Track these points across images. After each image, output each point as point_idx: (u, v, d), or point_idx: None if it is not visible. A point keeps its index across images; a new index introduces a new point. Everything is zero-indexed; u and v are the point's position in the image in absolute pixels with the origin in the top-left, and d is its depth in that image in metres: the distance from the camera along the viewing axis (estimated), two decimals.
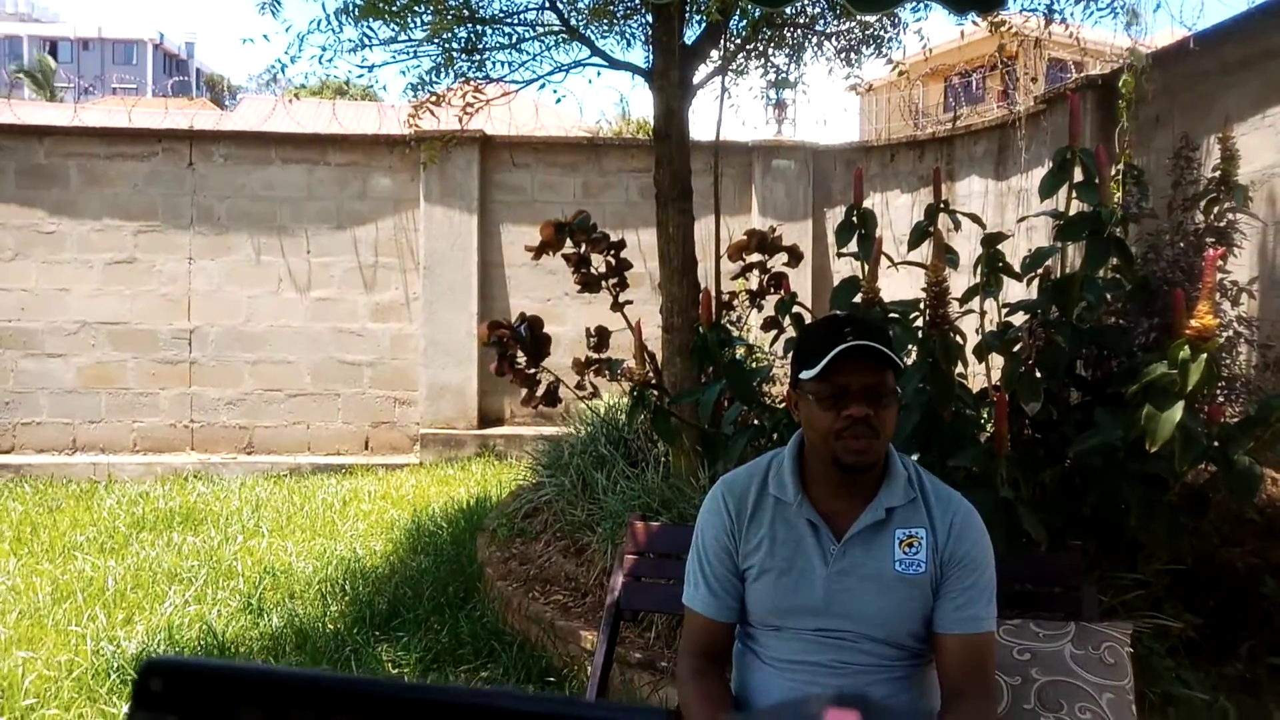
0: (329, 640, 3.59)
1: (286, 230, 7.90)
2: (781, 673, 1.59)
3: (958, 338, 2.62)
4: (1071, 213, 2.82)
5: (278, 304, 7.92)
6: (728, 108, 7.04)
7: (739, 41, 4.89)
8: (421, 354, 7.94)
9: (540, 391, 4.14)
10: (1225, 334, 3.07)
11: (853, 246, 3.07)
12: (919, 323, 2.78)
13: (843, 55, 5.01)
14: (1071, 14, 4.41)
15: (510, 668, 3.33)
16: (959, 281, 3.46)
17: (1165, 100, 4.91)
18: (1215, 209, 3.13)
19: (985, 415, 2.86)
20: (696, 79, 4.41)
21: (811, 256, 7.58)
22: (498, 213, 8.08)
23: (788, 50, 5.08)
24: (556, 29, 4.67)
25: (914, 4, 4.30)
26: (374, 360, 8.01)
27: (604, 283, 4.49)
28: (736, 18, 4.46)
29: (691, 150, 4.35)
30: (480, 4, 4.52)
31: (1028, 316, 3.03)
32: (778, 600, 1.58)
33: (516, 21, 4.74)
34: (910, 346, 2.71)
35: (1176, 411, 2.23)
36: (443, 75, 4.71)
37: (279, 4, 4.22)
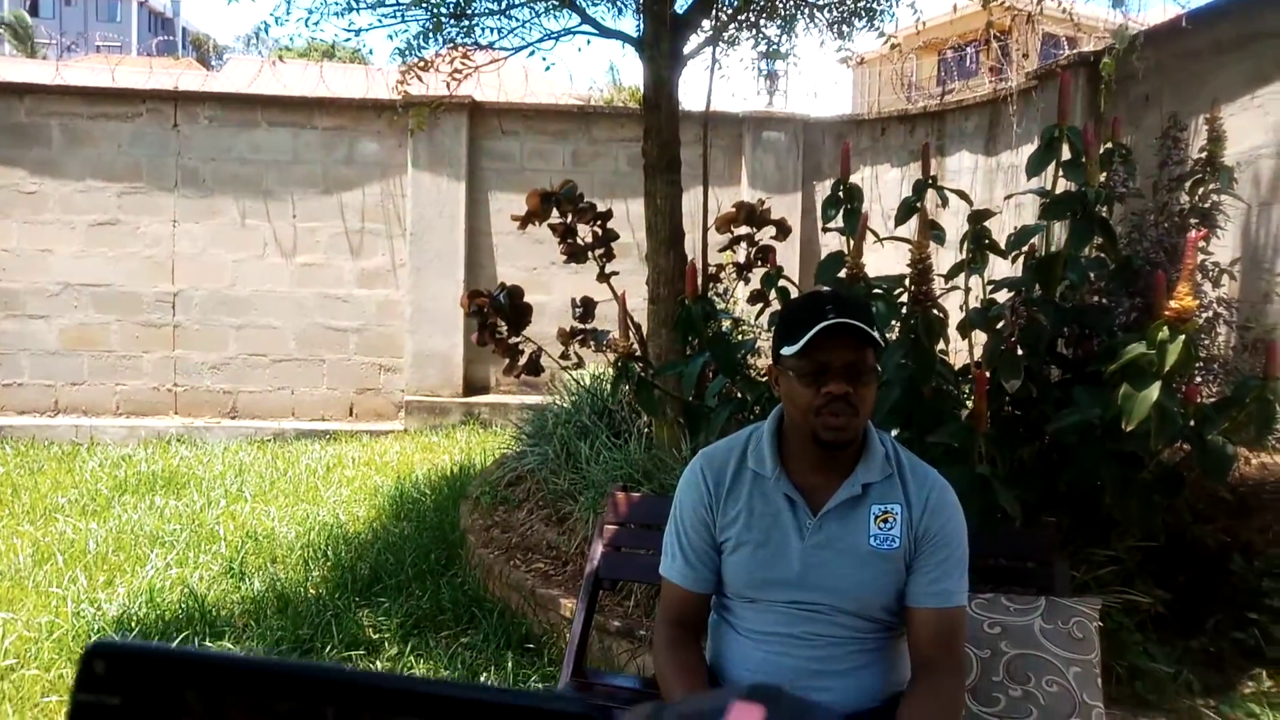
0: (310, 605, 3.61)
1: (272, 194, 7.83)
2: (755, 644, 1.61)
3: (941, 314, 2.63)
4: (1058, 191, 2.83)
5: (263, 268, 7.87)
6: (718, 78, 6.98)
7: (730, 12, 4.85)
8: (407, 321, 7.92)
9: (522, 361, 4.14)
10: (1205, 315, 3.09)
11: (839, 221, 3.06)
12: (903, 299, 2.79)
13: (834, 27, 4.97)
14: None
15: (490, 634, 3.36)
16: (947, 257, 3.47)
17: (1156, 79, 4.91)
18: (1200, 190, 3.14)
19: (966, 392, 2.87)
20: (687, 49, 4.38)
21: (800, 230, 7.57)
22: (486, 180, 8.02)
23: (779, 21, 5.04)
24: None
25: None
26: (360, 326, 7.98)
27: (590, 253, 4.47)
28: None
29: (681, 121, 4.33)
30: None
31: (1011, 294, 3.05)
32: (753, 572, 1.60)
33: None
34: (893, 322, 2.72)
35: (1153, 391, 2.25)
36: (430, 40, 4.65)
37: None
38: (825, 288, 2.67)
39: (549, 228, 4.50)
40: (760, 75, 7.14)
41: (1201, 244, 3.02)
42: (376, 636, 3.39)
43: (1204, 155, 3.12)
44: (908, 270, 2.69)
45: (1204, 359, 3.08)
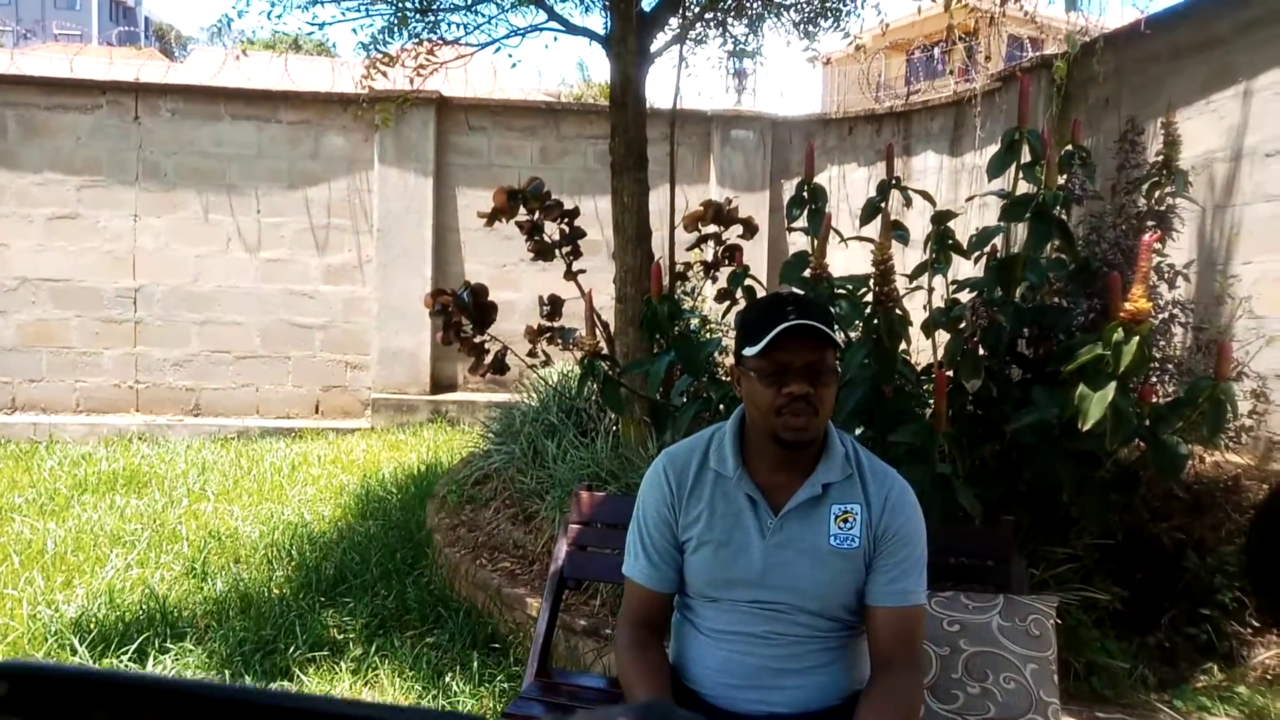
0: (274, 605, 3.57)
1: (236, 189, 7.74)
2: (717, 643, 1.62)
3: (903, 315, 2.65)
4: (1019, 193, 2.87)
5: (227, 264, 7.77)
6: (685, 77, 7.01)
7: (697, 10, 4.86)
8: (374, 317, 7.86)
9: (488, 360, 4.13)
10: (1161, 316, 3.15)
11: (804, 221, 3.08)
12: (868, 298, 2.81)
13: (800, 27, 5.00)
14: None
15: (456, 634, 3.35)
16: (913, 256, 3.50)
17: (1116, 82, 4.98)
18: (1156, 193, 3.20)
19: (928, 392, 2.90)
20: (654, 47, 4.38)
21: (768, 228, 7.61)
22: (454, 176, 7.98)
23: (746, 20, 5.06)
24: None
25: None
26: (325, 323, 7.90)
27: (558, 250, 4.46)
28: None
29: (649, 119, 4.33)
30: None
31: (973, 294, 3.08)
32: (715, 572, 1.61)
33: None
34: (857, 322, 2.74)
35: (1109, 392, 2.29)
36: (396, 35, 4.62)
37: None
38: (788, 288, 2.68)
39: (516, 225, 4.49)
40: (729, 74, 7.15)
41: (1157, 246, 3.08)
42: (341, 637, 3.37)
43: (1160, 159, 3.18)
44: (872, 270, 2.72)
45: (1159, 360, 3.14)
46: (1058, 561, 2.76)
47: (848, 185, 7.98)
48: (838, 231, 3.03)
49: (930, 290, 3.13)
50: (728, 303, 3.64)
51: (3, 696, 0.34)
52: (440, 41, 4.77)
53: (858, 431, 2.65)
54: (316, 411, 7.94)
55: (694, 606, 1.67)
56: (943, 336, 3.08)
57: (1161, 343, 3.17)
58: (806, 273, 2.85)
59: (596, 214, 6.56)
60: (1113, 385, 2.29)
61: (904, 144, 7.65)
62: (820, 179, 7.38)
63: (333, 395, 7.96)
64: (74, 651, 3.15)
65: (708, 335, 4.87)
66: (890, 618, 1.56)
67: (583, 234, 4.51)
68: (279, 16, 4.28)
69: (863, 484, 1.61)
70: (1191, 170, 3.75)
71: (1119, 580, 2.89)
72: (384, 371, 7.85)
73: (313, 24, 4.46)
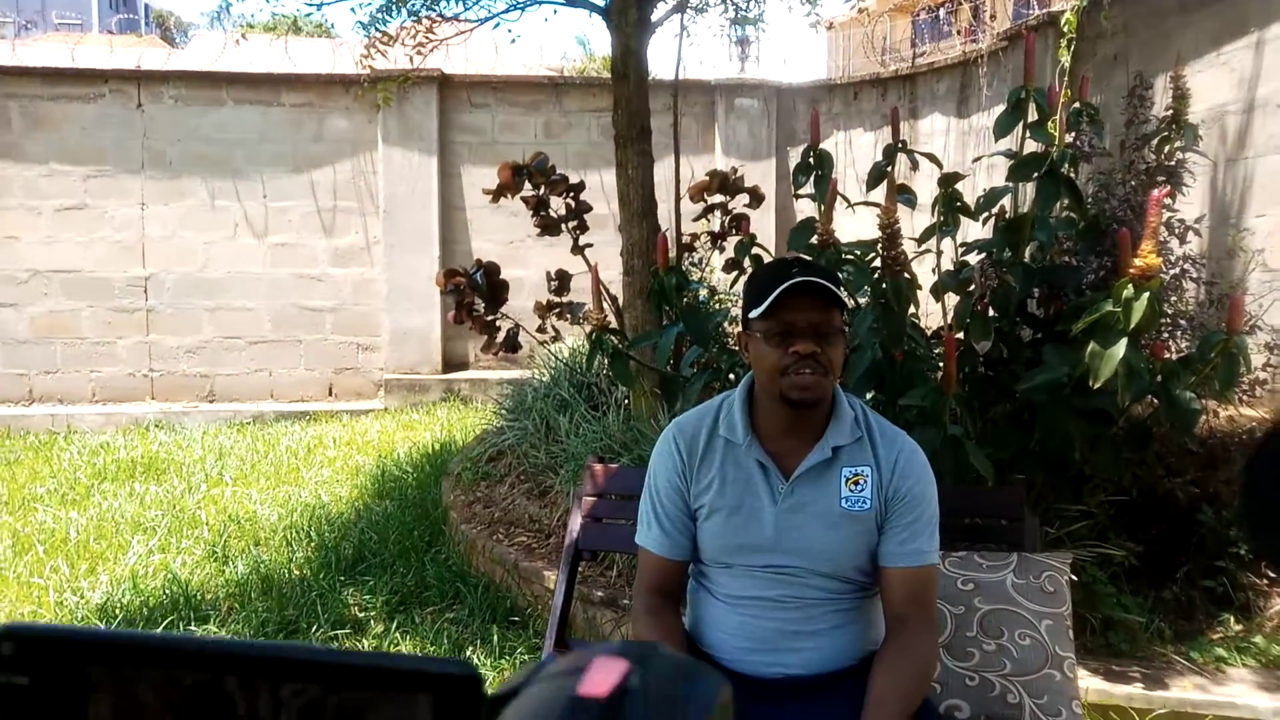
0: (295, 586, 3.62)
1: (241, 174, 7.74)
2: (733, 608, 1.64)
3: (911, 278, 2.64)
4: (1026, 152, 2.84)
5: (235, 250, 7.80)
6: (687, 46, 6.95)
7: None
8: (384, 299, 7.88)
9: (500, 338, 4.13)
10: (1172, 272, 3.13)
11: (810, 188, 3.07)
12: (876, 263, 2.80)
13: None
14: None
15: (475, 609, 3.39)
16: (921, 220, 3.48)
17: (1124, 38, 4.92)
18: (1166, 148, 3.16)
19: (938, 355, 2.90)
20: (655, 16, 4.34)
21: (775, 197, 7.57)
22: (458, 154, 7.96)
23: None
24: None
25: None
26: (335, 306, 7.93)
27: (564, 225, 4.46)
28: None
29: (652, 90, 4.30)
30: None
31: (981, 256, 3.06)
32: (728, 538, 1.62)
33: None
34: (866, 287, 2.73)
35: (1120, 348, 2.28)
36: (395, 13, 4.60)
37: None
38: (796, 253, 2.67)
39: (522, 201, 4.48)
40: (731, 42, 7.09)
41: (1168, 201, 3.05)
42: (362, 615, 3.41)
43: (1169, 113, 3.14)
44: (879, 235, 2.71)
45: (1171, 315, 3.12)
46: (1072, 519, 2.77)
47: (854, 151, 7.92)
48: (844, 197, 3.01)
49: (939, 253, 3.11)
50: (735, 272, 3.64)
51: (8, 657, 0.35)
52: (439, 18, 4.74)
53: (868, 396, 2.65)
54: (330, 394, 7.99)
55: (708, 573, 1.68)
56: (952, 299, 3.07)
57: (1173, 298, 3.15)
58: (814, 239, 2.84)
59: (602, 188, 6.53)
60: (1123, 342, 2.28)
61: (910, 107, 7.58)
62: (826, 145, 7.32)
63: (345, 377, 8.01)
64: None
65: (716, 306, 4.86)
66: (904, 578, 1.57)
67: (588, 208, 4.50)
68: None
69: (873, 446, 1.61)
70: (1202, 124, 3.70)
71: (1134, 536, 2.89)
72: (395, 352, 7.88)
73: (311, 3, 4.44)
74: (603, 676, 0.28)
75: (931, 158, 3.23)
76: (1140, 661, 2.60)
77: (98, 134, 7.58)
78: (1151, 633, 2.68)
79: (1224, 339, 2.38)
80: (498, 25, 4.81)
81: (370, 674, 0.35)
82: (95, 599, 3.51)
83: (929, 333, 3.02)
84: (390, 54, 5.02)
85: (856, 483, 1.59)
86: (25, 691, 0.36)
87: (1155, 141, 3.18)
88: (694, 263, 5.29)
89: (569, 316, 4.43)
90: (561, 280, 4.47)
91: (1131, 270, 2.25)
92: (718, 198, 4.82)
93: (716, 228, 4.90)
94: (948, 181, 3.00)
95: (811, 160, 3.06)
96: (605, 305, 3.14)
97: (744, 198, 4.86)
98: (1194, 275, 3.22)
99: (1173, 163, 3.15)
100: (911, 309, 2.69)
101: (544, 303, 4.52)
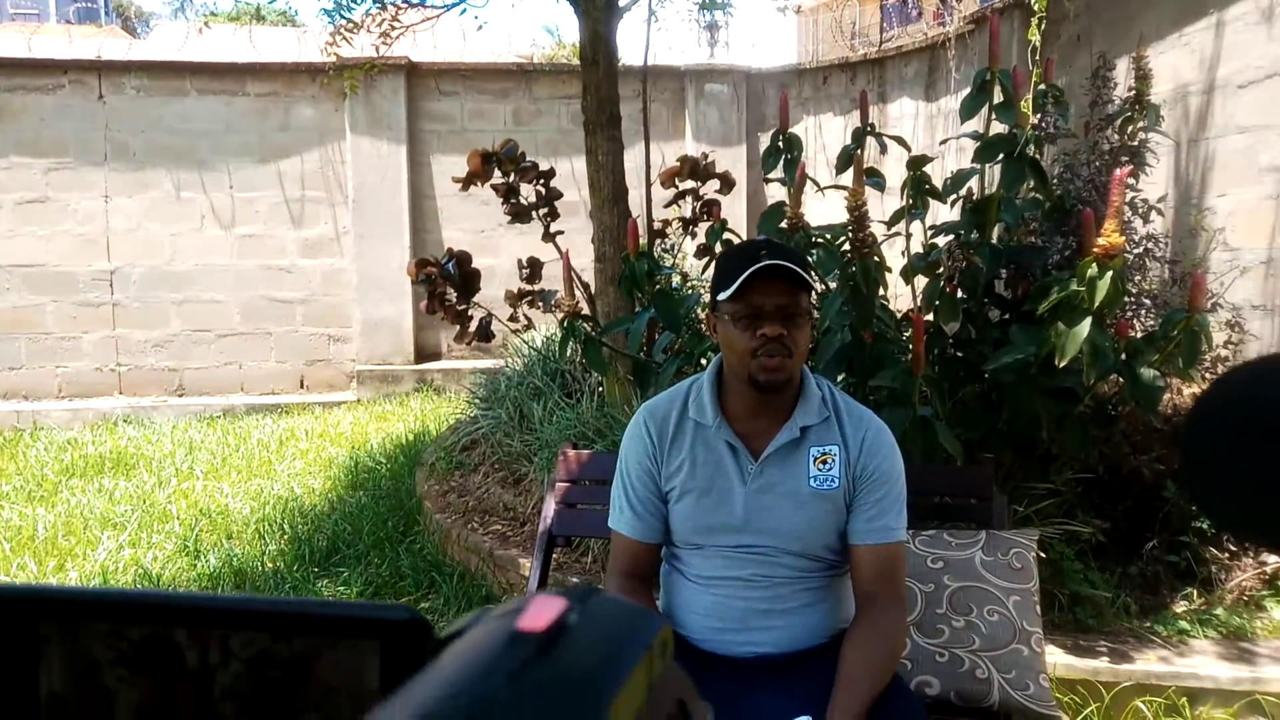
0: (268, 579, 3.60)
1: (207, 165, 7.64)
2: (705, 588, 1.65)
3: (879, 261, 2.66)
4: (992, 134, 2.86)
5: (202, 242, 7.70)
6: (656, 31, 6.93)
7: None
8: (354, 289, 7.82)
9: (473, 328, 4.12)
10: (1136, 251, 3.17)
11: (779, 172, 3.07)
12: (846, 247, 2.82)
13: None
14: None
15: (451, 597, 3.38)
16: (891, 203, 3.50)
17: (1088, 19, 4.96)
18: (1129, 128, 3.20)
19: (907, 336, 2.92)
20: (623, 1, 4.32)
21: (746, 182, 7.57)
22: (427, 142, 7.90)
23: None
24: None
25: None
26: (305, 297, 7.86)
27: (535, 213, 4.44)
28: None
29: (621, 76, 4.28)
30: None
31: (950, 238, 3.09)
32: (699, 519, 1.63)
33: None
34: (835, 270, 2.75)
35: (1084, 327, 2.31)
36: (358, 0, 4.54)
37: None
38: (761, 236, 2.68)
39: (492, 189, 4.46)
40: (700, 27, 7.07)
41: (1131, 181, 3.08)
42: None
43: (1132, 94, 3.17)
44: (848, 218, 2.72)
45: (1135, 294, 3.16)
46: (1040, 497, 2.80)
47: (824, 135, 7.94)
48: (814, 181, 3.02)
49: (909, 236, 3.13)
50: (707, 258, 3.64)
51: None
52: (405, 4, 4.69)
53: (839, 378, 2.66)
54: (301, 386, 7.92)
55: (680, 555, 1.69)
56: (923, 281, 3.09)
57: (1137, 277, 3.19)
58: (784, 223, 2.85)
59: (573, 174, 6.50)
60: (1088, 321, 2.32)
61: (879, 91, 7.62)
62: (796, 130, 7.33)
63: (317, 369, 7.94)
64: None
65: (688, 291, 4.87)
66: (872, 555, 1.59)
67: (559, 195, 4.49)
68: None
69: (840, 425, 1.63)
70: (1164, 104, 3.75)
71: (1100, 513, 2.94)
72: (367, 343, 7.82)
73: None
74: (541, 613, 0.29)
75: (900, 141, 3.25)
76: (1107, 635, 2.64)
77: (58, 126, 7.44)
78: (1118, 607, 2.73)
79: (1186, 317, 2.41)
80: (464, 11, 4.78)
81: (318, 622, 0.36)
82: None
83: (899, 315, 3.04)
84: (356, 42, 4.97)
85: (825, 462, 1.60)
86: None
87: (1119, 122, 3.21)
88: (666, 249, 5.29)
89: (541, 304, 4.42)
90: (533, 268, 4.47)
91: (1095, 250, 2.28)
92: (689, 183, 4.83)
93: (688, 213, 4.91)
94: (916, 164, 3.02)
95: (780, 144, 3.06)
96: (577, 292, 3.13)
97: (715, 183, 4.87)
98: (1157, 254, 3.27)
99: (1136, 143, 3.18)
100: (881, 292, 2.70)
101: (516, 291, 4.51)
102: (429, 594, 3.48)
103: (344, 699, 0.33)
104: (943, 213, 3.18)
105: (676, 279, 5.32)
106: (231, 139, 7.66)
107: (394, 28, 4.77)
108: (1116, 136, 3.23)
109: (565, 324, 2.84)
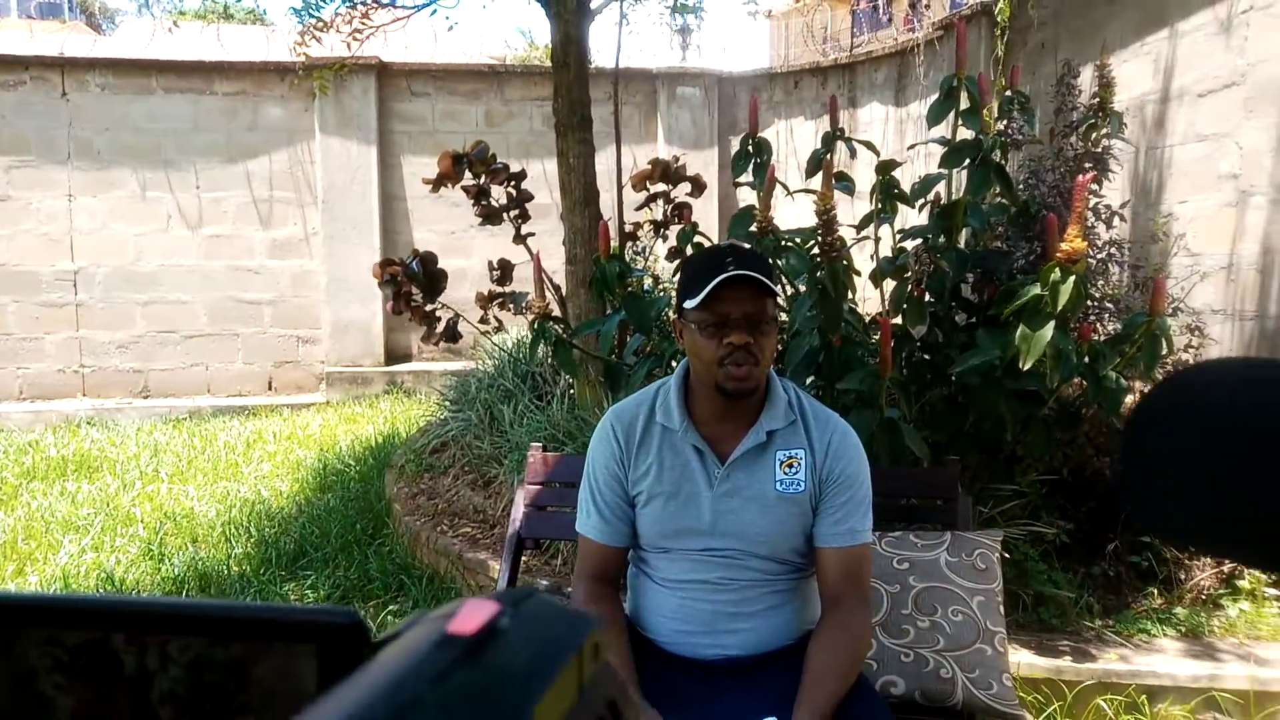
0: (234, 582, 3.55)
1: (173, 164, 7.54)
2: (672, 592, 1.65)
3: (848, 265, 2.68)
4: (959, 140, 2.90)
5: (168, 242, 7.60)
6: (628, 34, 6.94)
7: None
8: (323, 291, 7.75)
9: (440, 328, 4.10)
10: (1099, 256, 3.22)
11: (749, 176, 3.09)
12: (815, 251, 2.83)
13: None
14: None
15: (420, 600, 3.36)
16: (862, 208, 3.53)
17: (1054, 27, 5.03)
18: (1093, 135, 3.25)
19: (875, 340, 2.95)
20: (595, 3, 4.33)
21: (717, 185, 7.61)
22: (398, 144, 7.86)
23: None
24: None
25: None
26: (274, 298, 7.78)
27: (505, 214, 4.43)
28: None
29: (593, 78, 4.29)
30: None
31: (918, 242, 3.12)
32: (666, 523, 1.64)
33: None
34: (804, 274, 2.76)
35: (1047, 331, 2.34)
36: None
37: None
38: (734, 240, 2.69)
39: (463, 190, 4.44)
40: (672, 31, 7.10)
41: (1094, 187, 3.13)
42: None
43: (1096, 101, 3.22)
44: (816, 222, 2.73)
45: (1098, 298, 3.21)
46: (1005, 499, 2.84)
47: (796, 139, 7.99)
48: (784, 185, 3.04)
49: (877, 240, 3.16)
50: (678, 261, 3.65)
51: None
52: (375, 4, 4.66)
53: (807, 381, 2.68)
54: (269, 388, 7.84)
55: (647, 558, 1.69)
56: (891, 285, 3.12)
57: (1100, 282, 3.24)
58: (754, 227, 2.86)
59: (545, 177, 6.49)
60: (1051, 325, 2.35)
61: (850, 96, 7.67)
62: (768, 134, 7.37)
63: (285, 371, 7.87)
64: None
65: (660, 293, 4.88)
66: (838, 557, 1.60)
67: (530, 197, 4.48)
68: None
69: (806, 429, 1.64)
70: (1128, 112, 3.81)
71: (1065, 514, 2.98)
72: (336, 345, 7.76)
73: None
74: (472, 616, 0.29)
75: (869, 145, 3.27)
76: (1070, 635, 2.68)
77: (19, 123, 7.31)
78: (1081, 607, 2.77)
79: (1147, 321, 2.46)
80: (434, 12, 4.76)
81: (256, 625, 0.36)
82: None
83: (867, 318, 3.06)
84: (326, 41, 4.93)
85: (791, 465, 1.61)
86: None
87: (1083, 129, 3.26)
88: (638, 251, 5.30)
89: (511, 306, 4.41)
90: (503, 270, 4.46)
91: (1058, 255, 2.31)
92: (660, 186, 4.85)
93: (660, 216, 4.92)
94: (885, 169, 3.05)
95: (750, 149, 3.08)
96: (548, 294, 3.13)
97: (686, 186, 4.89)
98: (1120, 259, 3.32)
99: (1099, 150, 3.23)
100: (850, 295, 2.73)
101: (486, 293, 4.50)
102: (398, 597, 3.46)
103: (281, 702, 0.33)
104: (912, 217, 3.21)
105: (648, 281, 5.34)
106: (199, 138, 7.57)
107: (363, 27, 4.74)
108: (1080, 143, 3.28)
109: (536, 326, 2.84)
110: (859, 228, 3.13)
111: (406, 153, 7.84)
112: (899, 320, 2.94)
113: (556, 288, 4.34)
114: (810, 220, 3.05)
